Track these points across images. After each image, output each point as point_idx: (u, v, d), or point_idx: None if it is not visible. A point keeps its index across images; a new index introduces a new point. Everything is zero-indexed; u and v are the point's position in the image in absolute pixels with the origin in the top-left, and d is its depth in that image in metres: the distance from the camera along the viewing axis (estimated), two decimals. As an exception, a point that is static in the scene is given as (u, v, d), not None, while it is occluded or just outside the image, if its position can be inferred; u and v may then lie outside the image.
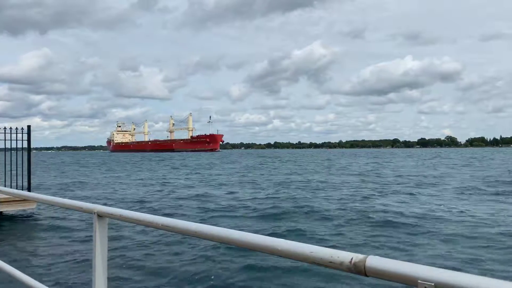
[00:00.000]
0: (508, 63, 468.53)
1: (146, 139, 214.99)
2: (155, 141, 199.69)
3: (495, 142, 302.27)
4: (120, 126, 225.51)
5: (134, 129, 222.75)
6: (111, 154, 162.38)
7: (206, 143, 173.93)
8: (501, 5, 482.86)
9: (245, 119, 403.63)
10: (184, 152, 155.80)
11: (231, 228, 1.37)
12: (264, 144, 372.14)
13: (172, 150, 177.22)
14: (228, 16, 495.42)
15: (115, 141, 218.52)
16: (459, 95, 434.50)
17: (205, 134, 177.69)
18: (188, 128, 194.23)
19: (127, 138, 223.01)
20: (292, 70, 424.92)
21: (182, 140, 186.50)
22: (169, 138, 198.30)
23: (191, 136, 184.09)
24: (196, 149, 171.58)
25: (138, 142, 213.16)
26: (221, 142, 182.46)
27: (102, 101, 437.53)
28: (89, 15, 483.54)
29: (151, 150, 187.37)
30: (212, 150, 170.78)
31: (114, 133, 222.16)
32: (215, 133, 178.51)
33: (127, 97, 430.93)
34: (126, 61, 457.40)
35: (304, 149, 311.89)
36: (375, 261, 1.13)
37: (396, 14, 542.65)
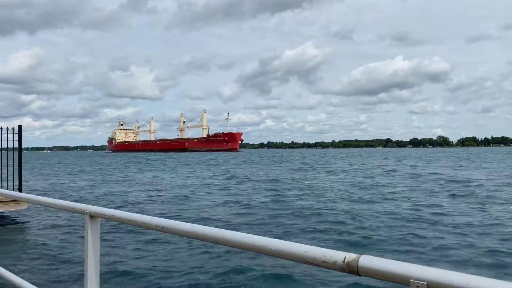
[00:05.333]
0: (496, 64, 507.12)
1: (152, 138, 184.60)
2: (164, 140, 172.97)
3: (486, 142, 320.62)
4: (122, 125, 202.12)
5: (139, 127, 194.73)
6: (116, 154, 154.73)
7: (224, 142, 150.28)
8: (490, 6, 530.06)
9: (237, 119, 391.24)
10: (200, 152, 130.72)
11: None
12: (258, 144, 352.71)
13: (185, 150, 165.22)
14: (218, 17, 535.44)
15: (117, 140, 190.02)
16: (449, 96, 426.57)
17: (222, 132, 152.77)
18: (202, 126, 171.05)
19: (130, 137, 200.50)
20: (283, 71, 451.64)
21: (196, 138, 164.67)
22: (180, 137, 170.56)
23: (207, 135, 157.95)
24: (213, 148, 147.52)
25: (144, 141, 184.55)
26: (240, 142, 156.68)
27: (93, 101, 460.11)
28: (78, 15, 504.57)
29: (160, 150, 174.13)
30: (231, 149, 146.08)
31: (116, 131, 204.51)
32: (232, 131, 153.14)
33: (118, 97, 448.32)
34: (116, 61, 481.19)
35: (299, 149, 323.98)
36: (368, 261, 1.14)
37: (386, 15, 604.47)
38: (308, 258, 1.24)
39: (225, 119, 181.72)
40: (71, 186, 25.94)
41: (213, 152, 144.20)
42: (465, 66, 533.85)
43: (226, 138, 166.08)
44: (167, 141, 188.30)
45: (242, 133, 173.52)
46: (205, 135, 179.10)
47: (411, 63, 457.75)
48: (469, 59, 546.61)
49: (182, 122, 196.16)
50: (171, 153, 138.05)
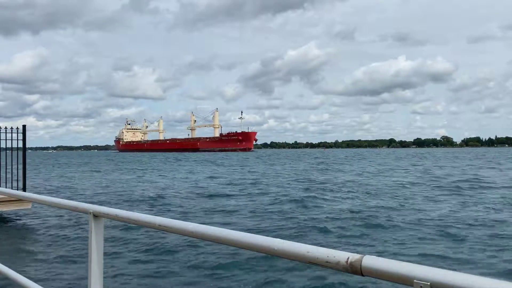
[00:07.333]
0: (499, 64, 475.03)
1: (161, 138, 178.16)
2: (174, 139, 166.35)
3: (490, 142, 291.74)
4: (130, 124, 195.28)
5: (147, 127, 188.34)
6: (125, 154, 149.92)
7: (238, 141, 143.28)
8: (492, 6, 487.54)
9: (239, 118, 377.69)
10: (212, 152, 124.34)
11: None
12: (261, 144, 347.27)
13: (196, 150, 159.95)
14: (220, 17, 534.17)
15: (125, 140, 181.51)
16: (452, 96, 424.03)
17: (236, 132, 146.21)
18: (214, 125, 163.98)
19: (138, 137, 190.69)
20: (285, 71, 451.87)
21: (208, 138, 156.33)
22: (190, 136, 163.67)
23: (221, 134, 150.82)
24: (226, 148, 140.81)
25: (153, 140, 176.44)
26: (254, 141, 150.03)
27: (96, 101, 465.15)
28: (81, 16, 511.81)
29: (170, 150, 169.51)
30: (245, 149, 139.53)
31: (124, 131, 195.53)
32: (245, 130, 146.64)
33: (121, 97, 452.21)
34: (119, 61, 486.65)
35: (303, 149, 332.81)
36: (371, 261, 1.14)
37: (388, 15, 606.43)
38: (311, 258, 1.24)
39: (239, 118, 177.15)
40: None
41: (227, 152, 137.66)
42: (468, 66, 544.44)
43: (240, 138, 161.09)
44: (177, 141, 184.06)
45: (256, 132, 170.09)
46: (217, 135, 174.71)
47: (413, 63, 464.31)
48: (472, 59, 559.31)
49: (192, 122, 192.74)
50: (193, 153, 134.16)
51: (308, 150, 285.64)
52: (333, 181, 27.44)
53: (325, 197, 18.99)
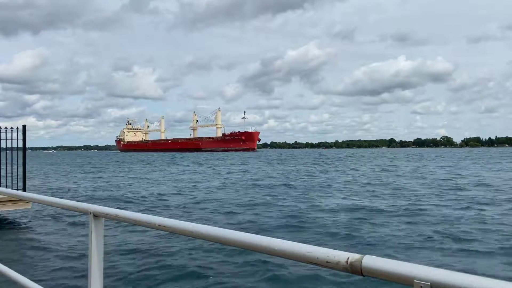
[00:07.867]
0: (499, 64, 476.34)
1: (163, 137, 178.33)
2: (176, 139, 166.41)
3: (490, 142, 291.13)
4: (131, 124, 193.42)
5: (148, 126, 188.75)
6: (126, 154, 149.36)
7: (241, 141, 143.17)
8: (493, 7, 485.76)
9: (240, 118, 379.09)
10: (215, 152, 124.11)
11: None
12: (261, 144, 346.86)
13: (199, 150, 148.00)
14: (219, 17, 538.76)
15: (126, 140, 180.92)
16: (452, 96, 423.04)
17: (239, 131, 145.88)
18: (217, 125, 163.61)
19: (139, 137, 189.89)
20: (285, 71, 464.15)
21: (210, 138, 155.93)
22: (192, 136, 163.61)
23: (223, 134, 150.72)
24: (229, 148, 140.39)
25: (154, 140, 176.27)
26: (257, 141, 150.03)
27: (96, 101, 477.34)
28: (81, 16, 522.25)
29: (172, 150, 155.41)
30: (248, 149, 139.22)
31: (125, 131, 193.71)
32: (248, 130, 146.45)
33: (121, 97, 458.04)
34: (119, 61, 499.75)
35: (303, 149, 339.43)
36: (371, 261, 1.15)
37: (388, 15, 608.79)
38: (311, 258, 1.25)
39: (242, 118, 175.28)
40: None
41: (230, 152, 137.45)
42: (468, 66, 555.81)
43: (243, 138, 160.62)
44: (179, 141, 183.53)
45: (259, 132, 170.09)
46: (219, 135, 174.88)
47: (413, 63, 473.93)
48: (472, 59, 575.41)
49: (195, 121, 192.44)
50: (195, 153, 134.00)
51: (308, 150, 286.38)
52: (333, 181, 27.70)
53: (325, 196, 19.01)
